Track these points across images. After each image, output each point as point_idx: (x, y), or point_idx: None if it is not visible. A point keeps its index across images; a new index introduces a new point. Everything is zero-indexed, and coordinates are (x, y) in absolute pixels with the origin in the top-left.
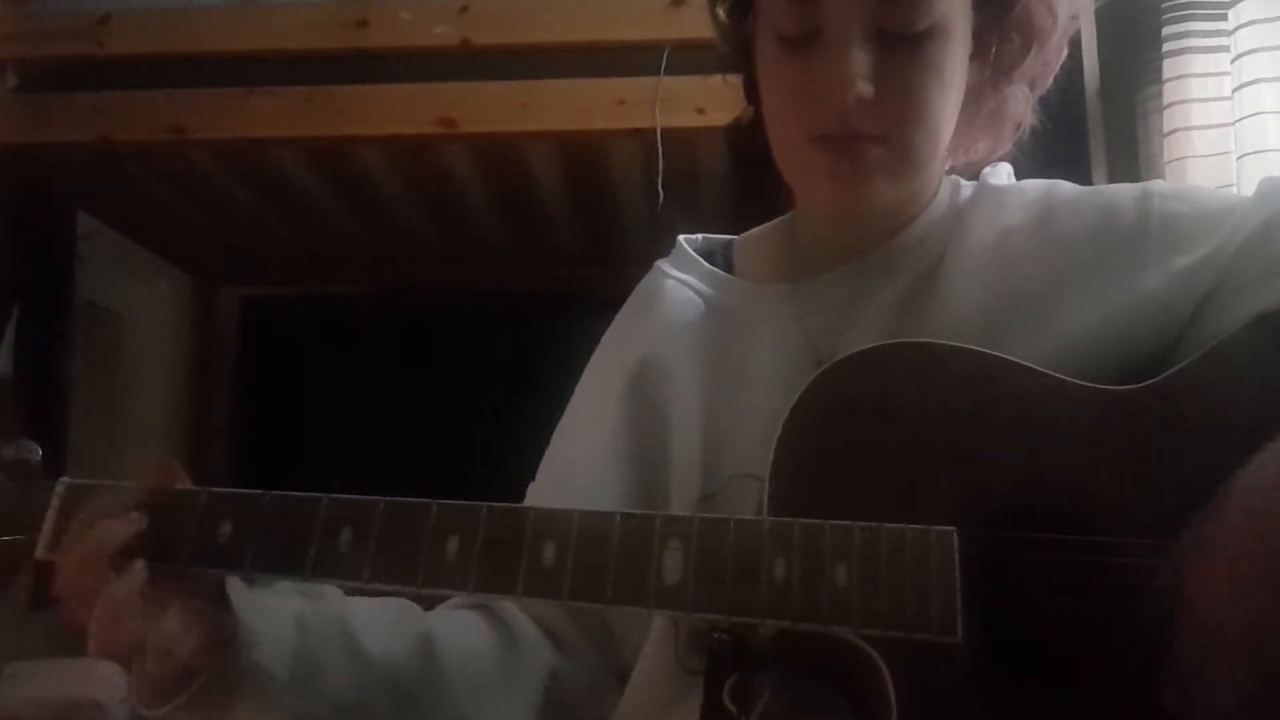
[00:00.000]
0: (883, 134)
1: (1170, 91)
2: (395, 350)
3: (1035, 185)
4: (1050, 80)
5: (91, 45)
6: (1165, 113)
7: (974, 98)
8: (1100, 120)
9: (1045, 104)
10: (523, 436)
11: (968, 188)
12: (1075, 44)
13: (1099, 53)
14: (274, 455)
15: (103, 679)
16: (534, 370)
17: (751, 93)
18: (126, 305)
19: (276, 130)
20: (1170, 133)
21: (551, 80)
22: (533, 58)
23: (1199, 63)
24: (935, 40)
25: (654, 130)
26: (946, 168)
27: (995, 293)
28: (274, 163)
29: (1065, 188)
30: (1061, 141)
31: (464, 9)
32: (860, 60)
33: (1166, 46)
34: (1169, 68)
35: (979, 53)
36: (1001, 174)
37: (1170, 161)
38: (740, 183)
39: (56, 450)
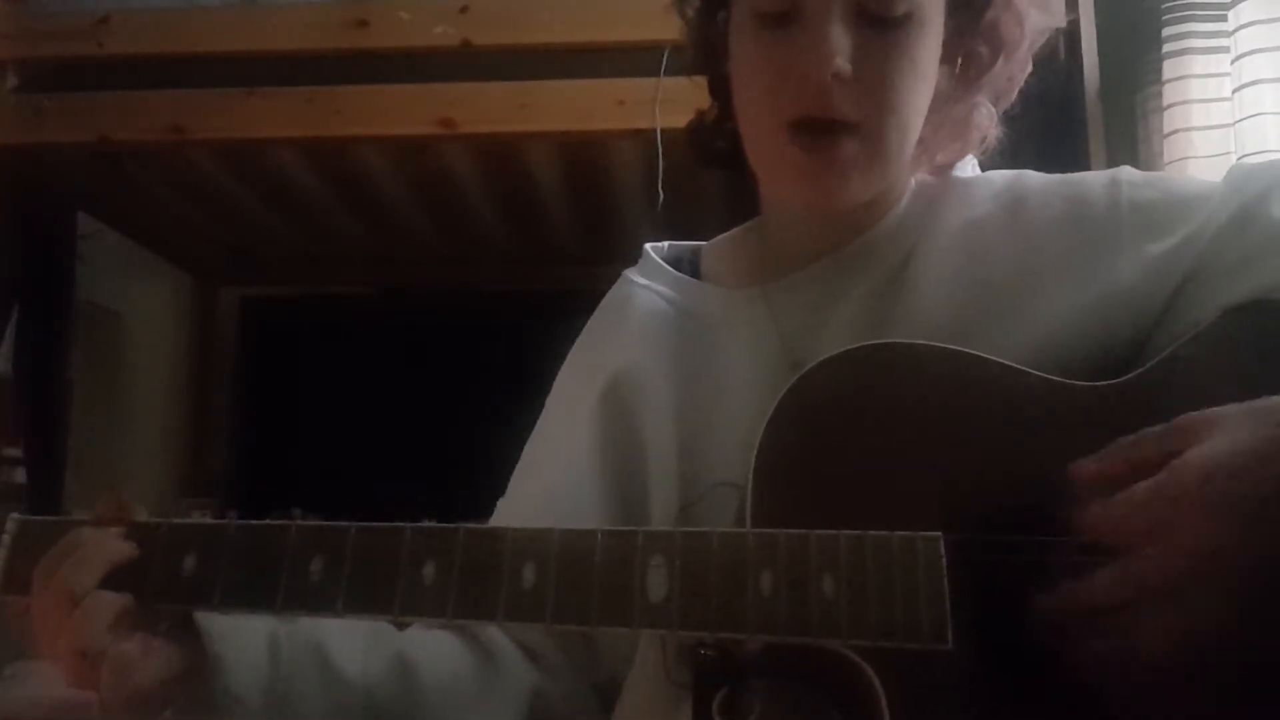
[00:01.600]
0: (857, 120)
1: (1170, 92)
2: (395, 350)
3: (1002, 176)
4: (1014, 96)
5: (91, 45)
6: (1165, 114)
7: (941, 103)
8: (1100, 120)
9: (1045, 104)
10: (522, 436)
11: (934, 182)
12: (1075, 44)
13: (1099, 53)
14: (274, 455)
15: None
16: (534, 370)
17: (717, 90)
18: (126, 305)
19: (276, 130)
20: (1170, 133)
21: (551, 80)
22: (533, 58)
23: (1199, 64)
24: (911, 28)
25: (654, 130)
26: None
27: (966, 286)
28: (274, 163)
29: (1033, 177)
30: (1061, 141)
31: (464, 9)
32: (839, 38)
33: (1167, 47)
34: (1169, 69)
35: (948, 58)
36: (967, 166)
37: (1170, 162)
38: (740, 183)
39: (56, 450)
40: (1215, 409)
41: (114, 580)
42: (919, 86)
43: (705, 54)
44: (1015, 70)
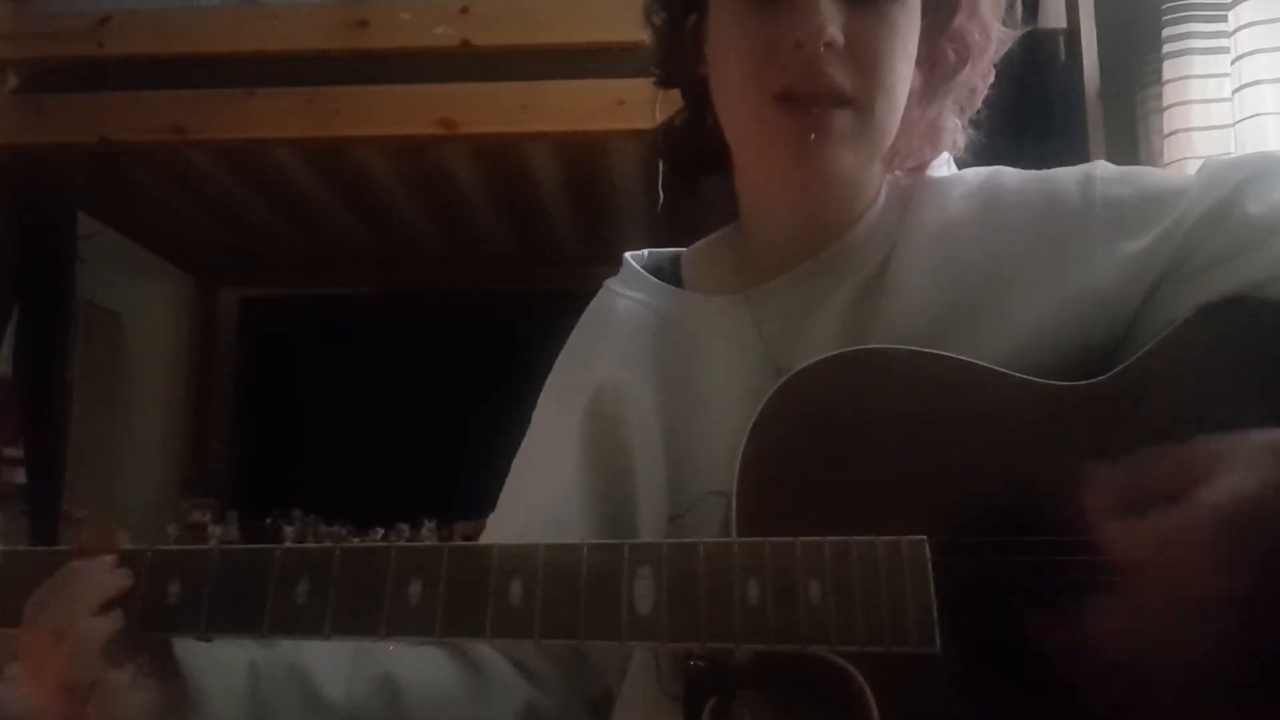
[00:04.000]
0: (850, 92)
1: (1170, 93)
2: (395, 350)
3: (977, 174)
4: (977, 104)
5: (91, 45)
6: (1165, 114)
7: (912, 105)
8: (1100, 121)
9: (1045, 104)
10: (521, 437)
11: (909, 181)
12: (1075, 44)
13: (1099, 53)
14: (274, 455)
15: None
16: (532, 371)
17: (690, 94)
18: (126, 305)
19: (276, 130)
20: (1170, 134)
21: (552, 81)
22: (533, 58)
23: (1199, 64)
24: (897, 8)
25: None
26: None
27: (944, 288)
28: (274, 163)
29: (1008, 175)
30: (1061, 141)
31: (464, 10)
32: (830, 10)
33: (1167, 48)
34: (1169, 69)
35: (918, 60)
36: (942, 164)
37: (1170, 163)
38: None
39: (57, 450)
40: (1234, 438)
41: (101, 609)
42: (905, 68)
43: (676, 61)
44: (978, 79)
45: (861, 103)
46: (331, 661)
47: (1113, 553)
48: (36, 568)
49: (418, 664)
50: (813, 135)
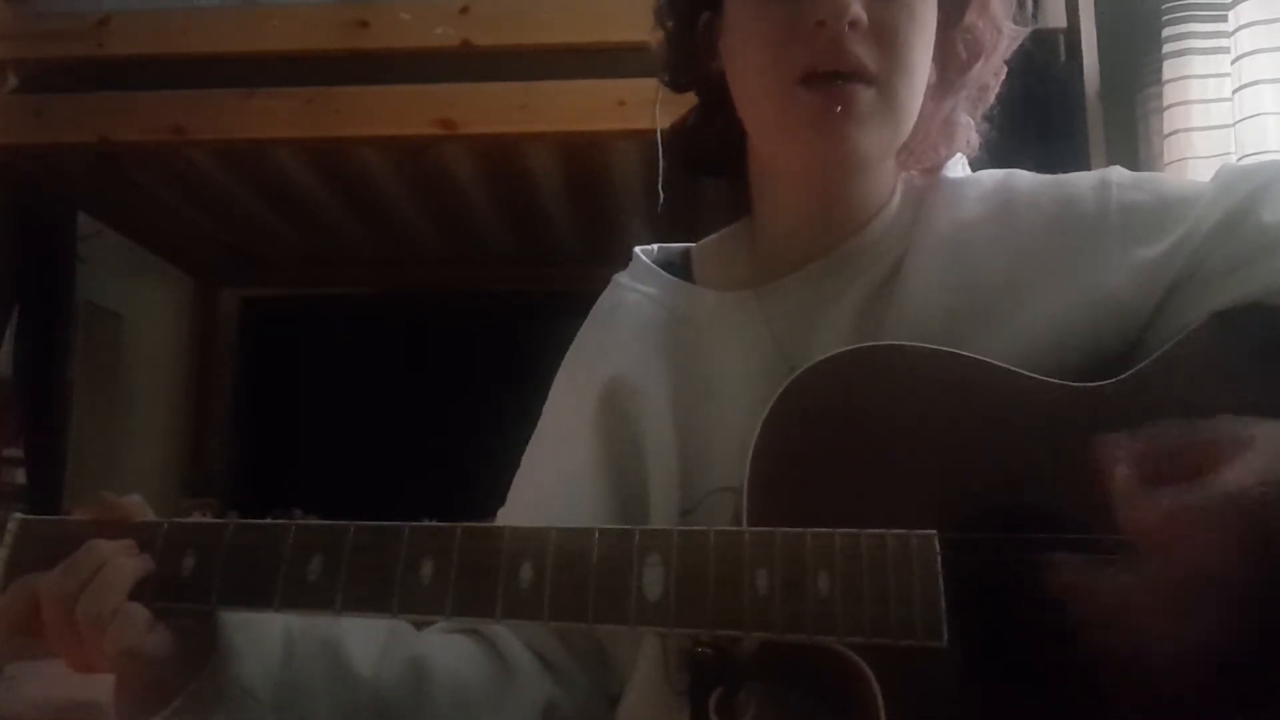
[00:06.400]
0: (872, 70)
1: (1170, 93)
2: (395, 350)
3: (991, 176)
4: (989, 102)
5: (91, 46)
6: (1165, 114)
7: (928, 97)
8: (1100, 121)
9: (1045, 104)
10: (522, 436)
11: (924, 182)
12: (1075, 44)
13: (1099, 53)
14: (274, 455)
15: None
16: (533, 371)
17: (704, 91)
18: (126, 305)
19: (276, 131)
20: (1170, 134)
21: (552, 81)
22: (533, 58)
23: (1199, 64)
24: None
25: (654, 131)
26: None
27: (956, 289)
28: (274, 163)
29: (1023, 178)
30: (1061, 141)
31: (464, 10)
32: None
33: (1167, 48)
34: (1169, 69)
35: (933, 56)
36: (957, 166)
37: (1170, 163)
38: (739, 185)
39: (57, 450)
40: (1258, 424)
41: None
42: (924, 54)
43: (689, 61)
44: (989, 76)
45: (884, 82)
46: (366, 639)
47: (1127, 523)
48: (53, 536)
49: (448, 651)
50: (839, 107)
